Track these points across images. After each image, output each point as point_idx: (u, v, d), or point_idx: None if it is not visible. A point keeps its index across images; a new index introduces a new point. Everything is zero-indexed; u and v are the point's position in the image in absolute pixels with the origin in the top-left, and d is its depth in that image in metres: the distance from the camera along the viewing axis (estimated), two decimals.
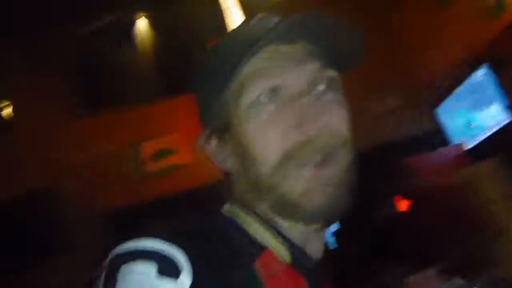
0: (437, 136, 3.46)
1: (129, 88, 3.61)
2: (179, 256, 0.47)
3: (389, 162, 2.96)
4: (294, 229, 0.60)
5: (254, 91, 0.59)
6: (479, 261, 1.70)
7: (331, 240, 2.91)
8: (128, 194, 3.09)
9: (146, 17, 3.81)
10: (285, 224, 0.60)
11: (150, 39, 3.80)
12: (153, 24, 3.81)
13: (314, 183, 0.56)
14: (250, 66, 0.60)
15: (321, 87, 0.60)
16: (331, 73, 0.62)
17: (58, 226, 2.82)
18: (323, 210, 0.57)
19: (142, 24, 3.81)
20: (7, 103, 3.44)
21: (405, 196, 2.64)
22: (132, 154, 3.35)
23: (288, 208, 0.58)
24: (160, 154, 3.37)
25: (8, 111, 3.41)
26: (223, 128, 0.63)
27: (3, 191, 3.02)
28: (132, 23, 3.78)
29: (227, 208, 0.63)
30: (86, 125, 3.34)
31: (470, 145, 3.19)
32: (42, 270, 2.68)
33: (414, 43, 3.76)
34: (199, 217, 0.59)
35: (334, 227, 2.85)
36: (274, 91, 0.59)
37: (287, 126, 0.57)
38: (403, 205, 2.65)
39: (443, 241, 1.99)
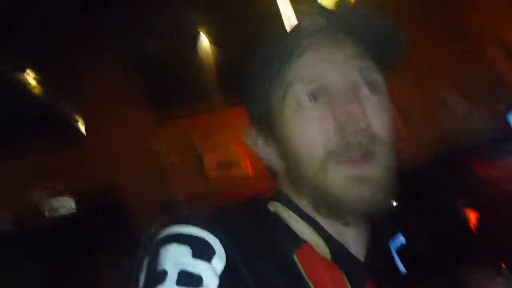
0: (509, 142, 3.28)
1: (193, 99, 3.74)
2: (213, 242, 0.51)
3: (456, 170, 2.84)
4: (334, 227, 0.61)
5: (297, 94, 0.61)
6: None
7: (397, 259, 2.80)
8: (191, 201, 3.19)
9: (208, 31, 3.94)
10: (325, 221, 0.61)
11: (212, 52, 3.92)
12: (215, 38, 3.92)
13: (352, 180, 0.58)
14: (294, 69, 0.62)
15: (363, 90, 0.61)
16: (374, 76, 0.62)
17: (126, 228, 2.95)
18: (359, 209, 0.58)
19: (204, 38, 3.94)
20: (80, 117, 3.67)
21: (474, 207, 2.52)
22: (196, 162, 3.46)
23: (327, 206, 0.59)
24: (223, 165, 3.45)
25: (81, 123, 3.64)
26: (269, 128, 0.65)
27: (78, 197, 3.25)
28: (195, 38, 3.92)
29: (271, 203, 0.65)
30: (152, 134, 3.50)
31: None
32: (114, 258, 2.82)
33: (482, 41, 3.60)
34: (240, 210, 0.62)
35: (397, 244, 2.75)
36: (316, 94, 0.60)
37: (328, 128, 0.59)
38: (471, 216, 2.53)
39: None
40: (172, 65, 3.79)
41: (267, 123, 0.65)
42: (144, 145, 3.40)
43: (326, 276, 0.56)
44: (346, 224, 0.60)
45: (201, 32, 3.91)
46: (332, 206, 0.59)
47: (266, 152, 0.67)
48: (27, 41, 3.39)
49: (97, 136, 3.47)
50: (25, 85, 3.68)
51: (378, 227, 0.66)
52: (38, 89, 3.78)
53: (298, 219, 0.61)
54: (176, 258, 0.50)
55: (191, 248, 0.50)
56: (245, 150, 3.29)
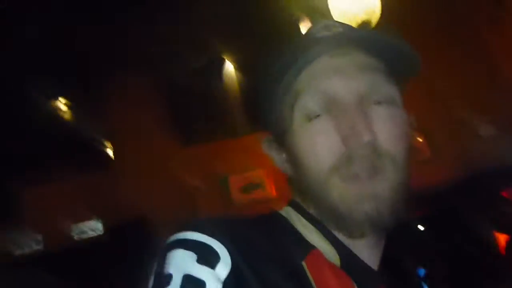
0: None
1: (218, 124, 3.80)
2: (219, 248, 0.52)
3: (483, 191, 2.79)
4: (343, 236, 0.61)
5: (305, 106, 0.61)
6: None
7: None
8: None
9: (232, 58, 4.02)
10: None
11: (236, 79, 3.99)
12: (239, 65, 4.00)
13: (357, 198, 0.57)
14: (303, 78, 0.62)
15: (372, 103, 0.60)
16: (385, 88, 0.61)
17: (151, 252, 2.98)
18: (363, 224, 0.57)
19: (229, 65, 4.02)
20: (108, 143, 3.78)
21: (502, 229, 2.46)
22: (221, 186, 3.50)
23: (332, 218, 0.60)
24: (249, 188, 3.47)
25: (109, 149, 3.74)
26: (281, 135, 0.66)
27: (106, 220, 3.31)
28: (220, 64, 4.01)
29: (284, 208, 0.66)
30: (178, 158, 3.55)
31: None
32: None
33: (506, 61, 3.58)
34: (250, 218, 0.62)
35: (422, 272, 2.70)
36: (323, 106, 0.60)
37: (333, 142, 0.59)
38: (501, 238, 2.48)
39: None
40: (197, 90, 3.88)
41: (279, 131, 0.65)
42: (170, 169, 3.46)
43: (335, 283, 0.56)
44: (350, 236, 0.59)
45: (225, 58, 4.00)
46: (336, 219, 0.59)
47: (279, 158, 0.68)
48: (59, 70, 3.53)
49: (124, 160, 3.56)
50: (56, 111, 3.81)
51: (395, 240, 0.65)
52: (68, 115, 3.90)
53: (308, 225, 0.62)
54: (181, 263, 0.51)
55: (196, 254, 0.51)
56: (269, 173, 3.32)
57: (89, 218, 3.36)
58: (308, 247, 0.58)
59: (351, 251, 0.60)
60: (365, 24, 1.96)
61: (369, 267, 0.61)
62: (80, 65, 3.62)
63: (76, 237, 3.28)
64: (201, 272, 0.50)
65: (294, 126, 0.62)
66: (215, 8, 3.50)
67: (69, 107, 3.85)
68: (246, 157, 3.48)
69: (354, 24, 1.97)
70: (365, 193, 0.57)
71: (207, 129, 3.75)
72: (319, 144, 0.59)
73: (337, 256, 0.59)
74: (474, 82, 3.51)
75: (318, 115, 0.60)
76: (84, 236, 3.29)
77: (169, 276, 0.50)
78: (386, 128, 0.59)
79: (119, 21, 3.62)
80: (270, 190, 3.40)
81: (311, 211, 0.62)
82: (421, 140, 3.32)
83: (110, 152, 3.79)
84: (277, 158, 0.68)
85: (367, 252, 0.62)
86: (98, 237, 3.28)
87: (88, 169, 3.59)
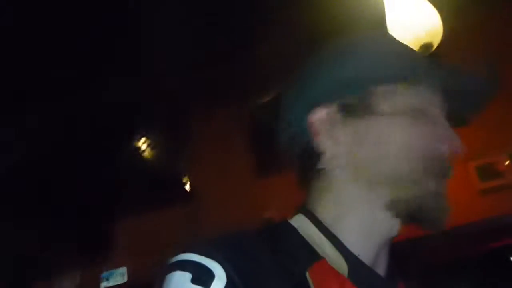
0: None
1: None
2: (213, 266, 0.54)
3: None
4: (363, 244, 0.61)
5: (420, 95, 0.63)
6: None
7: None
8: None
9: None
10: (351, 238, 0.61)
11: None
12: None
13: (437, 195, 0.62)
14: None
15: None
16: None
17: None
18: (440, 220, 0.62)
19: None
20: (189, 176, 3.87)
21: None
22: None
23: (410, 210, 0.62)
24: None
25: (190, 182, 3.82)
26: (358, 109, 0.64)
27: None
28: None
29: (294, 217, 0.66)
30: (258, 188, 3.57)
31: None
32: None
33: None
34: (252, 232, 0.63)
35: None
36: (425, 107, 0.64)
37: (435, 139, 0.64)
38: None
39: None
40: (273, 122, 3.88)
41: (359, 104, 0.64)
42: (249, 200, 3.47)
43: None
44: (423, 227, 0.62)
45: None
46: (416, 212, 0.61)
47: (338, 135, 0.65)
48: (144, 112, 3.70)
49: (205, 192, 3.62)
50: (139, 148, 3.97)
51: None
52: (150, 154, 4.05)
53: (318, 233, 0.62)
54: (176, 285, 0.54)
55: (191, 273, 0.54)
56: None
57: (172, 251, 3.40)
58: (315, 257, 0.59)
59: (360, 261, 0.60)
60: (427, 47, 1.88)
61: (380, 276, 0.62)
62: (161, 102, 3.78)
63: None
64: None
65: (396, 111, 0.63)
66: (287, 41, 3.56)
67: (151, 143, 4.01)
68: None
69: (416, 46, 1.88)
70: (441, 192, 0.61)
71: (284, 158, 3.72)
72: (423, 137, 0.61)
73: (346, 265, 0.59)
74: None
75: (418, 112, 0.62)
76: None
77: None
78: None
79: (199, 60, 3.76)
80: None
81: (324, 219, 0.63)
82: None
83: (191, 185, 3.87)
84: (334, 133, 0.65)
85: (381, 257, 0.63)
86: None
87: (171, 203, 3.69)
